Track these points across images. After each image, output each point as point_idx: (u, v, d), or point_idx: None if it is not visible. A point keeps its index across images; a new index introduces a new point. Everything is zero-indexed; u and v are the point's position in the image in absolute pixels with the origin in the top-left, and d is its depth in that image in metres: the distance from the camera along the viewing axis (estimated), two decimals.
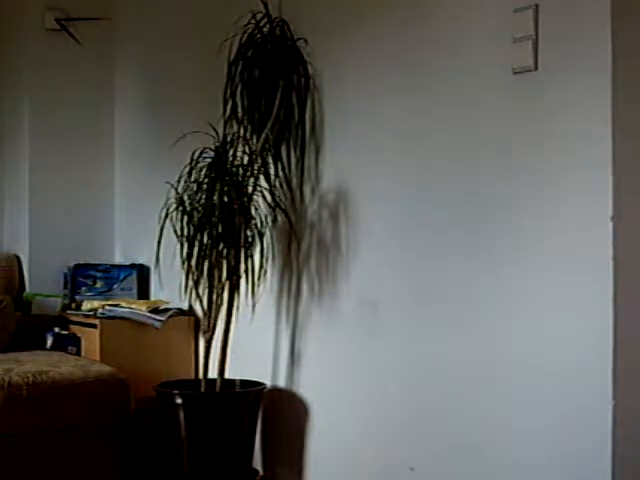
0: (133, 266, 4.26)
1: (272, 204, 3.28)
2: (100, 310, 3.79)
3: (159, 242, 3.19)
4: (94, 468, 3.34)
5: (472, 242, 2.62)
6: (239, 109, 3.30)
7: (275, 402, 3.40)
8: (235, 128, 3.29)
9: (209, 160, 3.20)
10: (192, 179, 3.21)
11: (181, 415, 3.18)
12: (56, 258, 4.30)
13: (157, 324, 3.73)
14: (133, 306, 3.79)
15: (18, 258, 4.37)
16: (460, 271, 2.66)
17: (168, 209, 3.22)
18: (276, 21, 3.29)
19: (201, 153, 3.21)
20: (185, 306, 3.79)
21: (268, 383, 3.38)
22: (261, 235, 3.25)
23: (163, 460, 3.36)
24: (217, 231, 3.16)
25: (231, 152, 3.22)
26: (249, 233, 3.20)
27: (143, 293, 4.24)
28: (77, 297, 4.14)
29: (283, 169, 3.33)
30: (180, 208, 3.20)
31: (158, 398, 3.30)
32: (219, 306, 3.22)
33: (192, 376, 3.78)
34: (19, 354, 3.66)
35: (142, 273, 4.25)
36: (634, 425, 2.25)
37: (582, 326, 2.29)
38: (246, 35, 3.29)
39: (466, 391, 2.63)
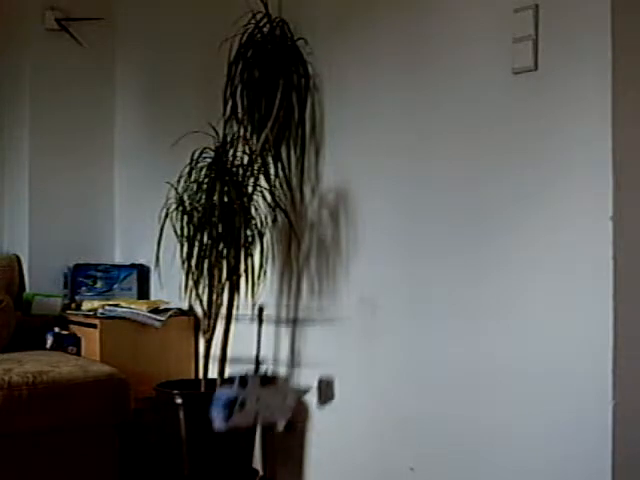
0: (133, 266, 4.26)
1: (272, 204, 3.28)
2: (100, 310, 3.79)
3: (159, 242, 3.19)
4: (94, 468, 3.34)
5: (472, 241, 2.62)
6: (239, 109, 3.30)
7: None
8: (235, 128, 3.29)
9: (209, 160, 3.20)
10: (192, 179, 3.21)
11: (181, 415, 3.18)
12: (56, 258, 4.29)
13: (157, 324, 3.73)
14: (133, 306, 3.79)
15: (18, 258, 4.37)
16: (460, 271, 2.66)
17: (168, 209, 3.22)
18: (276, 21, 3.29)
19: (201, 153, 3.21)
20: (185, 306, 3.79)
21: None
22: (261, 235, 3.25)
23: (163, 460, 3.36)
24: (217, 231, 3.16)
25: (231, 152, 3.22)
26: (249, 233, 3.20)
27: (143, 293, 4.24)
28: (77, 297, 4.15)
29: (283, 169, 3.33)
30: (180, 208, 3.20)
31: (158, 398, 3.30)
32: (219, 306, 3.22)
33: (192, 376, 3.78)
34: (19, 354, 3.65)
35: (142, 273, 4.25)
36: (634, 425, 2.25)
37: (582, 326, 2.29)
38: (246, 35, 3.29)
39: (466, 391, 2.63)
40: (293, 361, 3.34)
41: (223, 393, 1.68)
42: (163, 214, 3.22)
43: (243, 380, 1.72)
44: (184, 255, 3.18)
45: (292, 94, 3.24)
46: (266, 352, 3.45)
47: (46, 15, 4.35)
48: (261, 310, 1.82)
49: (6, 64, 4.54)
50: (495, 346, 2.54)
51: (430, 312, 2.76)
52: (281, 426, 1.75)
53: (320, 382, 1.91)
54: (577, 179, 2.31)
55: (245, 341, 3.44)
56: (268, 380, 1.75)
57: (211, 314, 3.24)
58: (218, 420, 1.67)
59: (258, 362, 1.79)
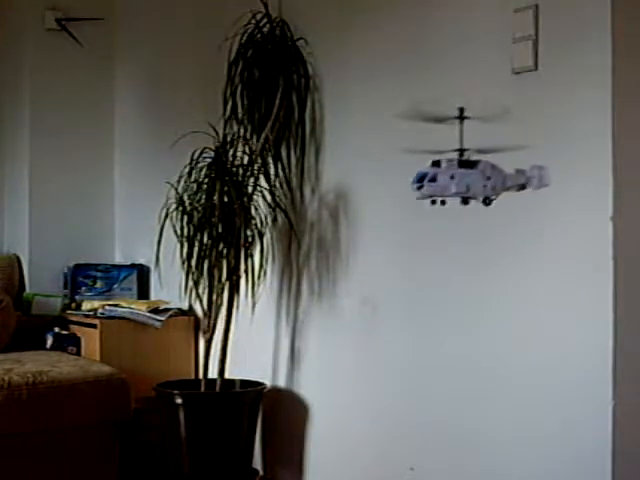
0: (133, 266, 4.26)
1: (272, 204, 3.28)
2: (100, 310, 3.79)
3: (159, 242, 3.19)
4: (94, 468, 3.34)
5: (472, 242, 2.62)
6: (239, 109, 3.30)
7: (275, 402, 3.40)
8: (235, 128, 3.29)
9: (209, 160, 3.20)
10: (192, 179, 3.21)
11: (181, 415, 3.18)
12: (56, 258, 4.29)
13: (157, 324, 3.73)
14: (133, 306, 3.79)
15: (18, 258, 4.37)
16: (460, 271, 2.66)
17: (168, 209, 3.22)
18: (276, 21, 3.29)
19: (201, 153, 3.21)
20: (185, 306, 3.79)
21: (268, 383, 3.38)
22: (261, 235, 3.25)
23: (163, 460, 3.36)
24: (217, 231, 3.16)
25: (231, 152, 3.22)
26: (249, 233, 3.20)
27: (143, 293, 4.24)
28: (77, 297, 4.14)
29: (283, 169, 3.33)
30: (180, 208, 3.20)
31: (158, 398, 3.30)
32: (219, 306, 3.22)
33: (192, 376, 3.78)
34: (19, 354, 3.65)
35: (142, 273, 4.24)
36: (634, 425, 2.25)
37: (582, 326, 2.29)
38: (246, 35, 3.29)
39: (466, 391, 2.63)
40: (293, 361, 3.35)
41: (421, 170, 1.93)
42: (163, 214, 3.22)
43: (436, 163, 1.97)
44: (184, 255, 3.18)
45: (292, 94, 3.24)
46: (266, 353, 3.46)
47: (46, 15, 4.34)
48: (462, 109, 2.06)
49: (6, 64, 4.54)
50: (495, 346, 2.54)
51: (430, 312, 2.76)
52: (480, 199, 1.96)
53: (533, 168, 2.05)
54: (577, 179, 2.31)
55: (245, 341, 3.45)
56: (469, 164, 1.98)
57: (211, 314, 3.24)
58: (414, 188, 1.92)
59: (462, 150, 2.01)
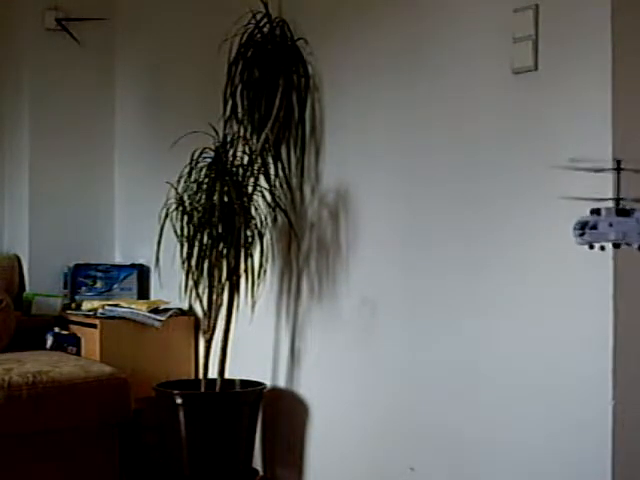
0: (133, 266, 4.26)
1: (272, 204, 3.28)
2: (100, 310, 3.79)
3: (159, 242, 3.19)
4: (94, 468, 3.34)
5: (473, 241, 2.62)
6: (239, 109, 3.30)
7: (275, 402, 3.40)
8: (235, 128, 3.30)
9: (209, 160, 3.20)
10: (192, 179, 3.21)
11: (181, 415, 3.18)
12: (56, 258, 4.29)
13: (157, 324, 3.73)
14: (133, 306, 3.79)
15: (18, 258, 4.37)
16: (461, 271, 2.66)
17: (168, 209, 3.22)
18: (276, 21, 3.29)
19: (201, 153, 3.21)
20: (185, 306, 3.79)
21: (268, 383, 3.38)
22: (261, 235, 3.26)
23: (163, 460, 3.36)
24: (217, 231, 3.16)
25: (231, 152, 3.22)
26: (249, 233, 3.20)
27: (143, 293, 4.25)
28: (77, 297, 4.15)
29: (283, 169, 3.33)
30: (180, 208, 3.20)
31: (158, 398, 3.30)
32: (219, 306, 3.22)
33: (192, 376, 3.78)
34: (19, 354, 3.65)
35: (142, 273, 4.25)
36: (634, 425, 2.25)
37: (582, 326, 2.29)
38: (246, 35, 3.29)
39: (466, 391, 2.63)
40: (293, 361, 3.35)
41: (582, 218, 2.04)
42: (163, 214, 3.22)
43: (596, 211, 2.07)
44: (184, 255, 3.18)
45: (292, 94, 3.24)
46: (266, 353, 3.46)
47: (46, 15, 4.35)
48: (619, 161, 2.17)
49: (6, 64, 4.54)
50: (495, 346, 2.54)
51: (430, 312, 2.76)
52: (635, 246, 2.06)
53: None
54: (577, 179, 2.30)
55: (245, 341, 3.45)
56: (625, 212, 2.08)
57: (211, 314, 3.24)
58: (576, 234, 2.06)
59: (618, 199, 2.11)
